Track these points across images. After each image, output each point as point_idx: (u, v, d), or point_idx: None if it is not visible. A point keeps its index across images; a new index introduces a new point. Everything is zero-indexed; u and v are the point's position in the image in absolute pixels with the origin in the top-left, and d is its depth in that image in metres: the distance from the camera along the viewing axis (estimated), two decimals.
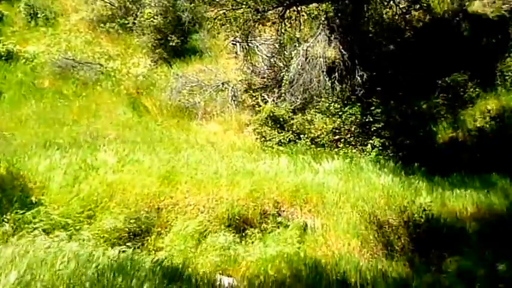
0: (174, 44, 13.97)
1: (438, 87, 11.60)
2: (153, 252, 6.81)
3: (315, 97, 10.59)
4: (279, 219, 7.59)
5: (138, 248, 6.76)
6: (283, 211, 7.76)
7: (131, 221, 6.96)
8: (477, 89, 11.68)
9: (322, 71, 10.38)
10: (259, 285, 5.96)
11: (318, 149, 9.94)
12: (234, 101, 11.86)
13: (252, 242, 7.13)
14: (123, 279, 4.68)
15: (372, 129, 10.00)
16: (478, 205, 7.98)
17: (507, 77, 11.86)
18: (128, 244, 6.59)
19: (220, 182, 7.86)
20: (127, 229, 6.90)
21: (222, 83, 12.35)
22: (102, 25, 15.08)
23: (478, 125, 10.84)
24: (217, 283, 5.89)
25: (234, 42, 13.35)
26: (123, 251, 6.13)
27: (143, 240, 6.96)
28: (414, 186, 8.39)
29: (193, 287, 5.15)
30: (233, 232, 7.18)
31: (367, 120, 10.03)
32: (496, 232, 7.46)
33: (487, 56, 12.32)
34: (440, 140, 10.66)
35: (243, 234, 7.24)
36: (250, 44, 12.92)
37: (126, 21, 14.92)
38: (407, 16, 12.16)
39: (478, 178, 8.95)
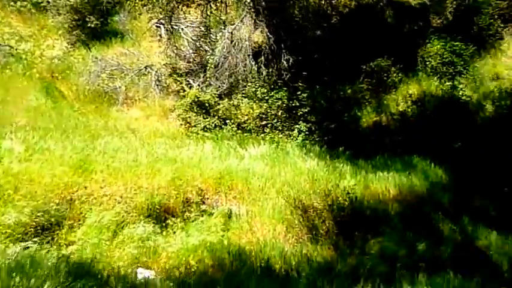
0: (92, 25, 13.05)
1: (363, 72, 11.76)
2: (64, 246, 6.29)
3: (241, 81, 10.33)
4: (203, 207, 7.31)
5: (48, 243, 6.23)
6: (208, 199, 7.48)
7: (38, 214, 6.38)
8: (400, 74, 11.97)
9: (248, 55, 10.11)
10: (180, 276, 5.66)
11: (245, 134, 9.72)
12: (157, 85, 11.29)
13: (174, 232, 6.80)
14: (21, 279, 4.17)
15: (299, 114, 9.91)
16: (400, 187, 8.15)
17: (427, 63, 12.28)
18: (34, 239, 6.07)
19: (140, 170, 7.41)
20: (34, 223, 6.32)
21: (145, 67, 11.72)
22: (12, 3, 13.77)
23: (401, 109, 11.13)
24: (135, 276, 5.52)
25: (158, 25, 12.71)
26: (27, 248, 5.61)
27: (53, 234, 6.41)
28: (339, 169, 8.42)
29: (103, 282, 4.71)
30: (153, 222, 6.80)
31: (293, 105, 9.93)
32: (416, 213, 7.67)
33: (409, 42, 12.70)
34: (364, 124, 10.84)
35: (164, 224, 6.89)
36: (174, 27, 12.38)
37: (40, 0, 13.76)
38: (333, 1, 12.19)
39: (400, 160, 9.17)
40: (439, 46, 12.29)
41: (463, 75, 12.07)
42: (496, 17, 13.63)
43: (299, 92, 10.08)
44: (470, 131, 10.14)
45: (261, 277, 5.73)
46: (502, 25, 13.72)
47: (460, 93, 11.27)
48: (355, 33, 12.30)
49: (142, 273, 5.64)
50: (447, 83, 11.70)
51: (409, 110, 10.96)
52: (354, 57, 11.72)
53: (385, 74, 11.80)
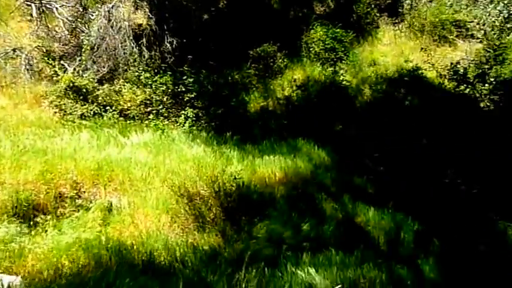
0: None
1: (250, 58, 11.76)
2: None
3: (121, 65, 9.66)
4: (79, 201, 6.73)
5: None
6: (84, 192, 6.91)
7: None
8: (285, 60, 12.19)
9: (128, 37, 9.48)
10: (48, 279, 5.10)
11: (128, 121, 9.14)
12: (28, 70, 10.13)
13: (46, 231, 6.14)
14: None
15: (185, 100, 9.56)
16: (285, 170, 8.24)
17: (311, 49, 12.66)
18: None
19: (2, 164, 6.58)
20: None
21: (13, 50, 10.47)
22: None
23: (286, 94, 11.33)
24: None
25: (29, 3, 11.43)
26: None
27: None
28: (226, 155, 8.29)
29: None
30: (19, 222, 6.08)
31: (179, 90, 9.54)
32: (301, 194, 7.82)
33: (294, 28, 12.97)
34: (252, 109, 10.84)
35: (33, 222, 6.19)
36: (47, 6, 11.24)
37: None
38: None
39: (286, 144, 9.30)
40: (321, 33, 12.72)
41: (343, 61, 12.64)
42: (372, 6, 14.50)
43: (185, 77, 9.71)
44: (350, 114, 10.65)
45: (141, 272, 5.40)
46: (378, 14, 14.65)
47: (341, 78, 11.77)
48: (242, 18, 12.24)
49: (2, 280, 4.98)
50: (329, 69, 12.16)
51: (294, 94, 11.19)
52: (241, 42, 11.66)
53: (271, 60, 11.92)
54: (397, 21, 14.83)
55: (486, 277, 6.03)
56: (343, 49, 12.69)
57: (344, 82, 11.66)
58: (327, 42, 12.54)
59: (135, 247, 6.06)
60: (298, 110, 10.64)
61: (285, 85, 11.56)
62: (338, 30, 12.85)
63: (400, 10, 15.01)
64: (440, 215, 7.55)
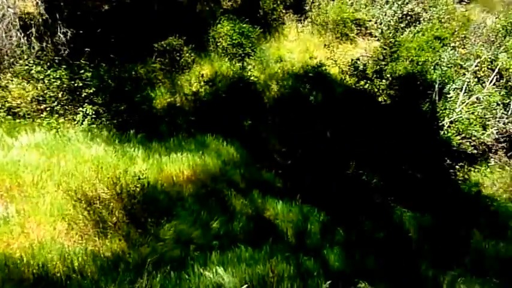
0: None
1: (155, 51, 11.32)
2: None
3: (7, 58, 8.71)
4: None
5: None
6: None
7: None
8: (192, 54, 11.93)
9: (14, 26, 8.56)
10: None
11: (17, 120, 8.25)
12: None
13: None
14: None
15: (83, 96, 8.83)
16: (193, 167, 8.02)
17: (219, 44, 12.53)
18: None
19: None
20: None
21: None
22: None
23: (194, 90, 11.09)
24: None
25: None
26: None
27: None
28: (129, 154, 7.83)
29: None
30: None
31: (76, 85, 8.80)
32: (210, 192, 7.65)
33: (200, 22, 12.73)
34: (158, 105, 10.44)
35: None
36: None
37: None
38: None
39: (194, 141, 9.06)
40: (228, 27, 12.63)
41: (251, 57, 12.68)
42: (278, 2, 14.73)
43: (82, 71, 8.98)
44: (259, 110, 10.69)
45: (32, 287, 4.88)
46: (283, 11, 14.92)
47: (249, 74, 11.77)
48: (145, 9, 11.75)
49: None
50: (237, 64, 12.13)
51: (202, 90, 10.99)
52: (145, 34, 11.17)
53: (178, 54, 11.58)
54: (301, 18, 15.21)
55: (385, 261, 6.33)
56: (250, 45, 12.71)
57: (252, 78, 11.67)
58: (234, 38, 12.47)
59: (25, 260, 5.47)
60: (206, 105, 10.45)
61: (193, 80, 11.31)
62: (245, 25, 12.84)
63: (304, 7, 15.42)
64: (344, 205, 7.83)
